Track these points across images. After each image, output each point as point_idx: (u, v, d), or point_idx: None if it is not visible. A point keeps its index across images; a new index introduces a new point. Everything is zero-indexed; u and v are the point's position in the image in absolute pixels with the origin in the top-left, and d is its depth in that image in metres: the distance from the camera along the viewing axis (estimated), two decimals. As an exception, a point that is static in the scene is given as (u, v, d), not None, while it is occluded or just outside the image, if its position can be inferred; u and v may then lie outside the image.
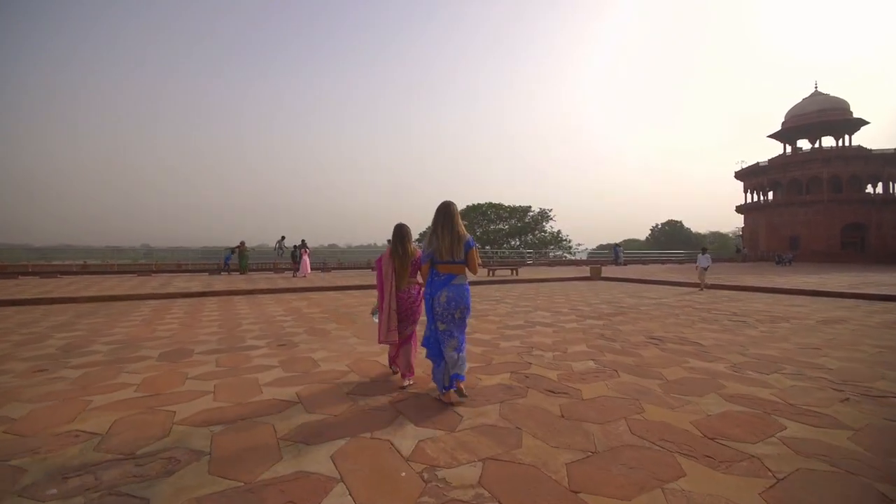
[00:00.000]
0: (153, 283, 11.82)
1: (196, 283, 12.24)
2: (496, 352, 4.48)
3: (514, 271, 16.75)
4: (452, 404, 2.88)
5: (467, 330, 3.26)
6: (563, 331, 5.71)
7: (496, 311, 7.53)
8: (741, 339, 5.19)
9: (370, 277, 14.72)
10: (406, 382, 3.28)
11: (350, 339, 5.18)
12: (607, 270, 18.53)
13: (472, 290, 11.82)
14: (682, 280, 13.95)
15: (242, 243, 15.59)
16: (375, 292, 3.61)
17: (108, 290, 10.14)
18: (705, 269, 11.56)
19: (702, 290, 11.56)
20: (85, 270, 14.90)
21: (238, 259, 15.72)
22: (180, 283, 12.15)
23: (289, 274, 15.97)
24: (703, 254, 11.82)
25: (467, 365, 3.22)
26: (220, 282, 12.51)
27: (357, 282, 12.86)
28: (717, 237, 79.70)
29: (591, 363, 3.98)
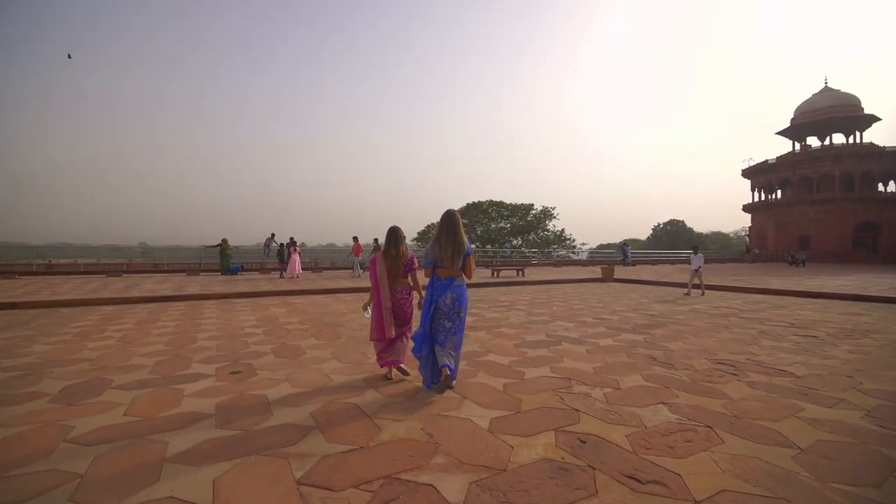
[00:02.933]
0: (118, 286, 10.54)
1: (167, 285, 10.96)
2: (522, 387, 3.26)
3: (521, 272, 15.55)
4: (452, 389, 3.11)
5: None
6: (598, 350, 4.51)
7: (508, 322, 6.32)
8: (834, 363, 4.00)
9: (363, 280, 13.53)
10: (396, 371, 3.49)
11: (328, 364, 3.96)
12: (617, 271, 17.32)
13: (477, 293, 10.69)
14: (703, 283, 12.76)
15: (224, 241, 14.29)
16: (366, 296, 3.87)
17: (61, 293, 8.88)
18: (697, 270, 10.04)
19: (688, 293, 10.05)
20: (50, 271, 13.59)
21: (220, 258, 14.40)
22: (149, 285, 10.87)
23: (275, 275, 14.73)
24: (695, 253, 10.24)
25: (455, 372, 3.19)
26: (194, 284, 11.24)
27: (348, 284, 11.63)
28: (719, 237, 78.66)
29: (666, 411, 2.77)
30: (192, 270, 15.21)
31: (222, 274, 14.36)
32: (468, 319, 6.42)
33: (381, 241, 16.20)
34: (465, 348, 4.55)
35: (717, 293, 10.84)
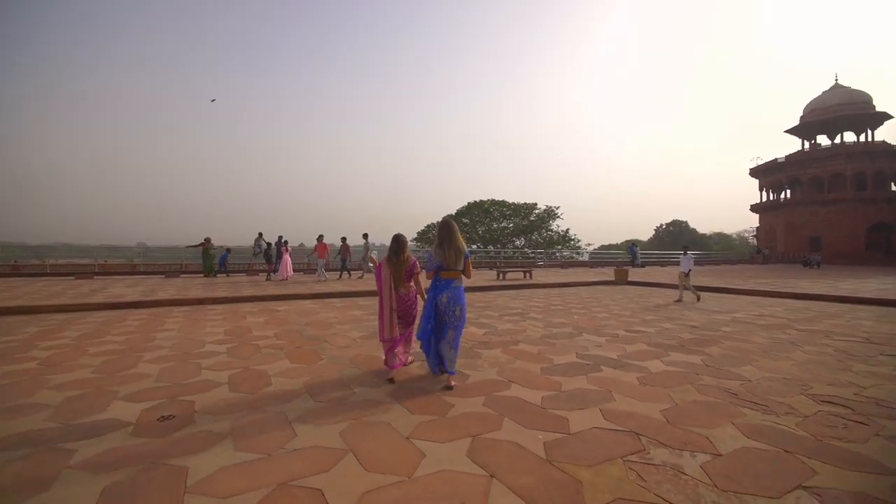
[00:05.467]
0: (81, 290, 9.44)
1: (138, 289, 9.87)
2: (573, 450, 2.21)
3: (528, 274, 14.51)
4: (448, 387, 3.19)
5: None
6: (653, 379, 3.47)
7: (527, 336, 5.27)
8: (981, 402, 2.96)
9: (359, 283, 12.53)
10: (409, 360, 3.81)
11: (296, 403, 2.90)
12: (630, 274, 16.27)
13: (484, 298, 9.64)
14: (724, 285, 11.77)
15: (207, 240, 13.18)
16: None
17: (8, 299, 7.79)
18: (687, 273, 8.85)
19: (680, 300, 8.79)
20: (14, 272, 12.49)
21: (202, 259, 13.28)
22: (117, 289, 9.76)
23: (263, 276, 13.64)
24: (684, 255, 9.08)
25: (457, 363, 3.42)
26: (168, 288, 10.16)
27: (341, 287, 10.57)
28: (721, 238, 77.62)
29: (820, 506, 1.73)
30: (172, 272, 14.09)
31: (205, 276, 13.28)
32: (478, 332, 5.42)
33: (349, 240, 14.80)
34: (480, 376, 3.56)
35: (747, 298, 9.83)
